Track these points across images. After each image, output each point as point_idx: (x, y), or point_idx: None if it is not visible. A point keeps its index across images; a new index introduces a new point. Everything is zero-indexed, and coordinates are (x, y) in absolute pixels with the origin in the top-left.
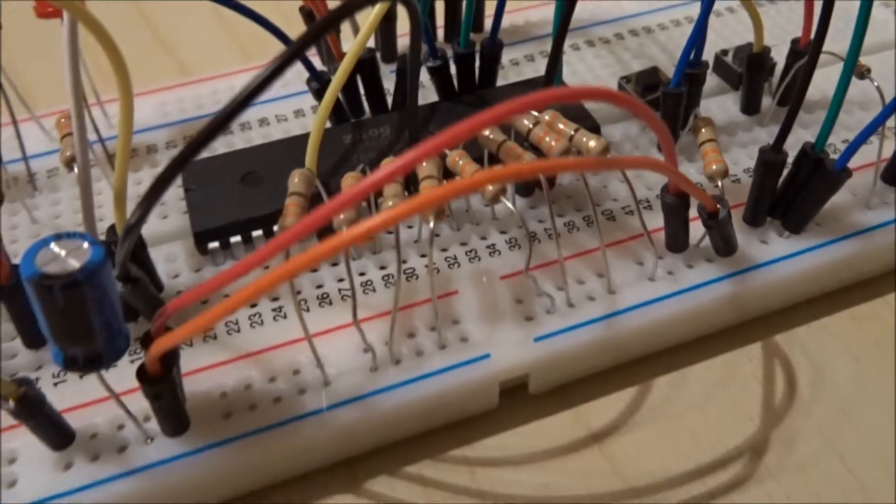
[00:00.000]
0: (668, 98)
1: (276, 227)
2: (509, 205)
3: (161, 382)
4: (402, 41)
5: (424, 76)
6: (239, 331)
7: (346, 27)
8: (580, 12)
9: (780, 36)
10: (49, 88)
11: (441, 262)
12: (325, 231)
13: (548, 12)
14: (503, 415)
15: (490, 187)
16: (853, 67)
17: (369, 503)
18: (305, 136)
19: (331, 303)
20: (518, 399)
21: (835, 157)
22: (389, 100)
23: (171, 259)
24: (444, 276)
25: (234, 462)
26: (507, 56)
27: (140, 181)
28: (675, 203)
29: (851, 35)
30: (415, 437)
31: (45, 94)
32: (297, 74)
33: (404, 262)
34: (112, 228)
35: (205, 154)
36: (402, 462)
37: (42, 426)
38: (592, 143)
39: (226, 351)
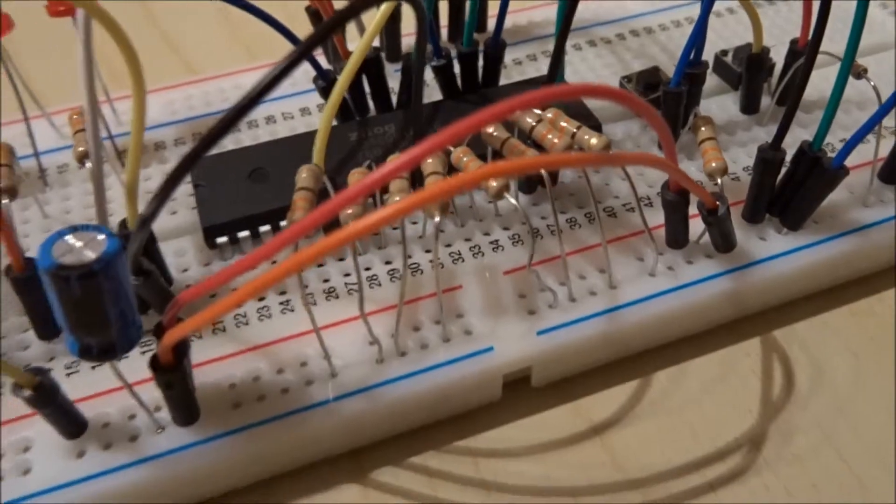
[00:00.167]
0: (669, 97)
1: (283, 223)
2: (513, 200)
3: (173, 372)
4: (407, 41)
5: (428, 75)
6: (248, 323)
7: (351, 26)
8: (582, 12)
9: (778, 36)
10: (58, 86)
11: (445, 257)
12: (332, 226)
13: (550, 12)
14: (506, 407)
15: (493, 183)
16: (850, 67)
17: (374, 493)
18: (311, 134)
19: (337, 297)
20: (521, 392)
21: (832, 155)
22: (394, 98)
23: (181, 253)
24: (448, 271)
25: (242, 451)
26: (509, 55)
27: (149, 177)
28: (676, 200)
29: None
30: (420, 428)
31: (55, 92)
32: (303, 73)
33: (409, 257)
34: (123, 222)
35: (213, 151)
36: (407, 453)
37: (56, 415)
38: (594, 141)
39: (235, 343)
